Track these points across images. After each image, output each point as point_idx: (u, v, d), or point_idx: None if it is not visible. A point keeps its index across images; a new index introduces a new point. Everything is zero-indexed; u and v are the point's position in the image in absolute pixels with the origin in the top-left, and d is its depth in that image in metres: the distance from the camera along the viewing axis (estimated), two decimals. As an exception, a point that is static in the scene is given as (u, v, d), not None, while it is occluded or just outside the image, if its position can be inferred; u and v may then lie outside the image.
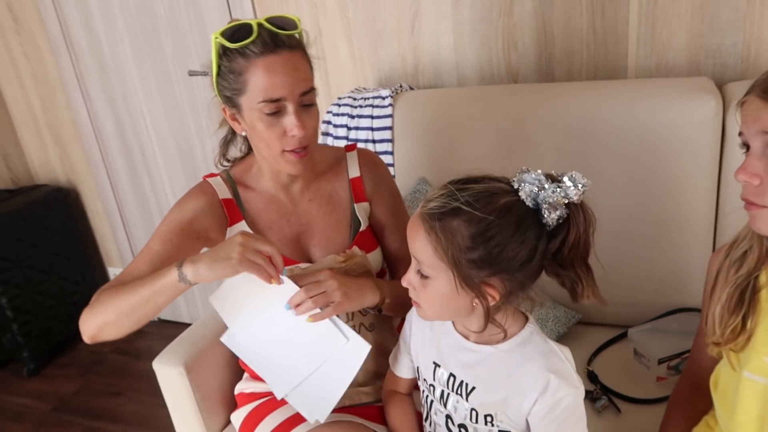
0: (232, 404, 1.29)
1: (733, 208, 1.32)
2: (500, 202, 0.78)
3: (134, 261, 1.08)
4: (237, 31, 0.98)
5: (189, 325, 1.28)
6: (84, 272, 2.62)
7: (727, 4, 1.44)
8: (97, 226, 2.68)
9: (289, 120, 1.00)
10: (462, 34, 1.71)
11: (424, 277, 0.83)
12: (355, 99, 1.65)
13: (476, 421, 0.89)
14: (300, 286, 0.98)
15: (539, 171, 0.80)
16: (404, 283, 0.87)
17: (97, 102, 2.35)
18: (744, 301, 0.80)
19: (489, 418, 0.87)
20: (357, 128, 1.61)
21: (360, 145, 1.61)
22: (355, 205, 1.18)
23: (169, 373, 1.27)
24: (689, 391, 0.99)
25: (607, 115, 1.39)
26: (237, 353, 1.10)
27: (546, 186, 0.78)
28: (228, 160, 1.19)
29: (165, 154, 2.33)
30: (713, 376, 0.91)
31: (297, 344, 1.01)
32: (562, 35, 1.61)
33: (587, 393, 1.26)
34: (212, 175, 1.16)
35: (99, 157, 2.45)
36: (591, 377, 1.32)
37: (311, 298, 0.97)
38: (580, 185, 0.78)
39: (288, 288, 0.98)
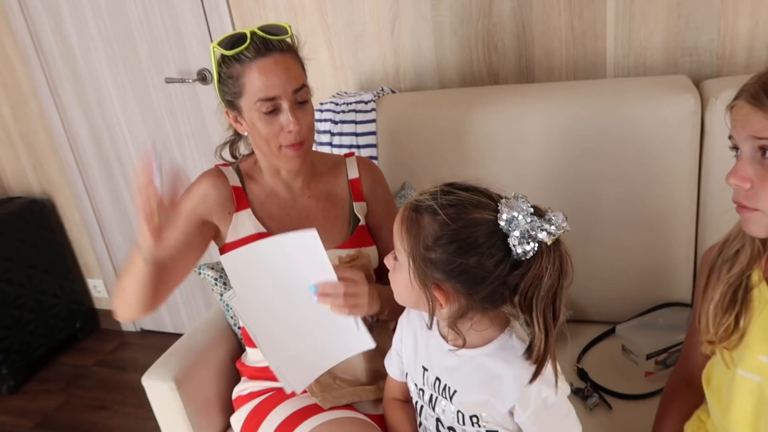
0: (229, 409, 1.29)
1: (715, 203, 1.35)
2: (474, 214, 0.80)
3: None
4: (232, 41, 1.07)
5: (173, 334, 1.27)
6: (63, 284, 2.57)
7: (702, 1, 1.46)
8: (74, 237, 2.62)
9: (285, 117, 1.07)
10: (442, 36, 1.71)
11: (396, 260, 0.88)
12: (337, 104, 1.64)
13: (463, 423, 0.90)
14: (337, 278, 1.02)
15: (529, 203, 0.79)
16: (385, 261, 0.92)
17: (71, 110, 2.30)
18: (737, 300, 0.81)
19: (475, 419, 0.89)
20: (341, 134, 1.60)
21: (344, 151, 1.61)
22: (354, 203, 1.24)
23: (159, 389, 1.25)
24: (681, 387, 1.01)
25: (589, 115, 1.40)
26: (237, 313, 1.10)
27: (521, 216, 0.78)
28: (235, 157, 1.26)
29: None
30: (705, 371, 0.92)
31: (303, 317, 1.04)
32: (542, 36, 1.62)
33: (578, 391, 1.28)
34: (225, 164, 1.23)
35: (75, 166, 2.40)
36: (581, 375, 1.33)
37: (344, 295, 1.01)
38: (554, 228, 0.77)
39: (324, 270, 1.00)
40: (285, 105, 1.07)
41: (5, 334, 2.33)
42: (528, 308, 0.80)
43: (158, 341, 2.59)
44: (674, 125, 1.34)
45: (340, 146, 1.61)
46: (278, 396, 1.16)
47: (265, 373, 1.19)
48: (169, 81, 2.06)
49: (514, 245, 0.78)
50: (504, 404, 0.86)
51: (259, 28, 1.08)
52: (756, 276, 0.83)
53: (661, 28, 1.52)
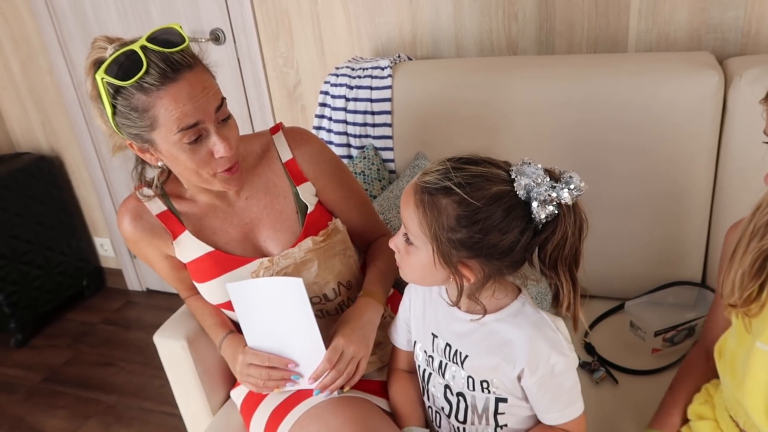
0: (232, 380, 1.30)
1: (732, 184, 1.34)
2: (492, 189, 0.79)
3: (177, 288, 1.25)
4: (124, 66, 0.90)
5: (178, 294, 1.27)
6: (70, 242, 2.58)
7: (730, -23, 1.43)
8: (82, 195, 2.62)
9: (214, 142, 0.96)
10: (461, 4, 1.67)
11: (409, 242, 0.86)
12: (353, 69, 1.61)
13: (473, 389, 0.91)
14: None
15: (539, 165, 0.80)
16: (391, 245, 0.90)
17: (81, 67, 2.27)
18: (765, 268, 0.81)
19: (485, 384, 0.90)
20: (356, 99, 1.59)
21: (359, 117, 1.59)
22: (297, 188, 1.14)
23: (171, 347, 1.26)
24: (701, 359, 1.03)
25: (608, 90, 1.38)
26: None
27: (540, 182, 0.78)
28: (148, 183, 1.12)
29: (153, 123, 2.27)
30: (717, 345, 0.93)
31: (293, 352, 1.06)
32: (564, 6, 1.59)
33: (585, 364, 1.29)
34: (140, 186, 1.12)
35: (83, 124, 2.38)
36: (588, 349, 1.34)
37: (336, 369, 1.00)
38: (574, 189, 0.79)
39: (307, 319, 1.00)
40: (211, 128, 0.95)
41: (13, 289, 2.35)
42: (553, 267, 0.82)
43: (164, 301, 2.62)
44: (696, 103, 1.32)
45: (355, 111, 1.60)
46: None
47: None
48: (181, 40, 2.03)
49: (536, 212, 0.79)
50: (514, 369, 0.87)
51: (149, 40, 0.91)
52: None
53: (687, 3, 1.48)
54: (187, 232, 1.10)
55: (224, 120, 0.99)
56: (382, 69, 1.58)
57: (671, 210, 1.40)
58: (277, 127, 1.17)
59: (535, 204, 0.78)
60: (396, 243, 0.89)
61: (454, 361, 0.93)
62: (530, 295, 0.94)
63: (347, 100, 1.61)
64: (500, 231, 0.79)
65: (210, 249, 1.10)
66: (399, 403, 1.05)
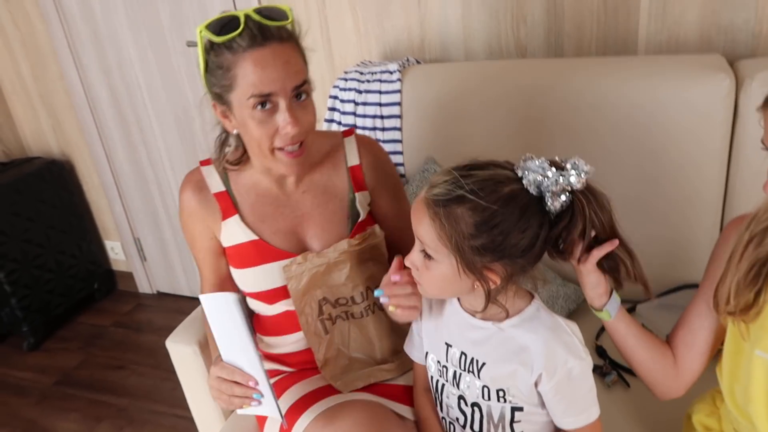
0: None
1: (744, 188, 1.34)
2: (504, 190, 0.79)
3: (201, 276, 1.20)
4: (223, 25, 0.94)
5: (188, 297, 1.28)
6: (81, 245, 2.60)
7: (740, -21, 1.43)
8: (93, 199, 2.64)
9: (282, 116, 0.96)
10: (470, 7, 1.68)
11: (428, 257, 0.85)
12: (362, 74, 1.62)
13: (489, 398, 0.91)
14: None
15: (542, 158, 0.81)
16: (407, 262, 0.89)
17: (91, 72, 2.29)
18: (761, 275, 0.81)
19: (501, 393, 0.90)
20: (365, 104, 1.59)
21: (368, 121, 1.60)
22: (356, 194, 1.14)
23: (183, 352, 1.28)
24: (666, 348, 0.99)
25: (618, 93, 1.38)
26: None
27: (549, 174, 0.79)
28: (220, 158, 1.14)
29: (162, 126, 2.29)
30: (718, 368, 0.93)
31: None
32: (573, 9, 1.59)
33: (596, 368, 1.29)
34: (207, 161, 1.14)
35: (94, 128, 2.40)
36: (599, 352, 1.34)
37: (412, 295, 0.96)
38: (582, 173, 0.80)
39: (241, 334, 0.96)
40: (282, 103, 0.96)
41: (25, 293, 2.37)
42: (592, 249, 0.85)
43: (174, 304, 2.63)
44: (707, 106, 1.31)
45: (364, 116, 1.60)
46: (291, 377, 1.16)
47: (278, 357, 1.19)
48: (190, 45, 2.04)
49: (551, 204, 0.80)
50: (531, 374, 0.87)
51: (255, 11, 0.95)
52: None
53: (697, 4, 1.48)
54: (237, 216, 1.10)
55: (300, 101, 0.99)
56: (391, 73, 1.58)
57: (683, 213, 1.40)
58: (350, 131, 1.19)
59: (548, 196, 0.80)
60: (413, 260, 0.88)
61: (470, 370, 0.92)
62: (542, 299, 0.95)
63: (356, 104, 1.61)
64: (519, 230, 0.80)
65: (255, 237, 1.10)
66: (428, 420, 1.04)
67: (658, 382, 0.99)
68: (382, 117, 1.59)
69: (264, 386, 1.00)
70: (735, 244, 0.85)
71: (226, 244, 1.13)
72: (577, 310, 1.45)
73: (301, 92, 0.98)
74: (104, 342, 2.45)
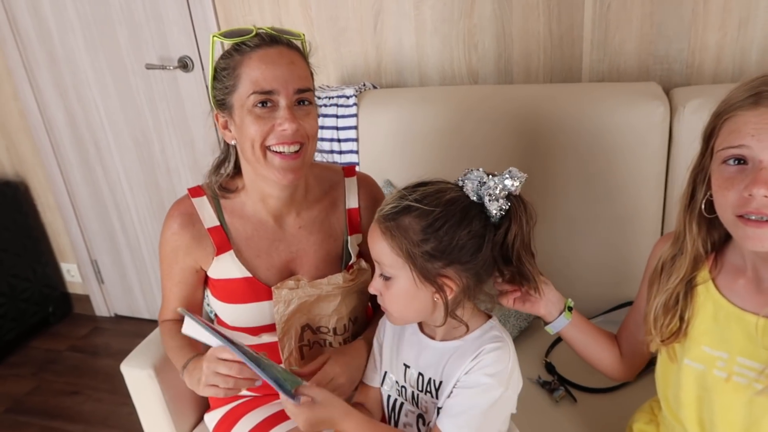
0: (204, 404, 1.30)
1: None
2: (446, 196, 0.86)
3: (163, 303, 1.17)
4: (237, 31, 0.98)
5: (147, 320, 1.27)
6: (35, 268, 2.54)
7: (674, 12, 1.52)
8: (48, 221, 2.59)
9: (280, 113, 0.95)
10: (424, 34, 1.74)
11: (386, 278, 0.89)
12: (319, 98, 1.66)
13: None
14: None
15: (481, 169, 0.88)
16: (371, 290, 0.92)
17: (47, 93, 2.27)
18: (679, 300, 0.88)
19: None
20: (322, 127, 1.62)
21: (325, 145, 1.63)
22: (349, 237, 1.13)
23: (138, 376, 1.27)
24: (615, 342, 1.09)
25: (563, 117, 1.45)
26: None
27: (485, 180, 0.86)
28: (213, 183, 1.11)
29: (120, 147, 2.27)
30: (656, 374, 0.99)
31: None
32: (521, 38, 1.66)
33: (545, 384, 1.34)
34: (198, 191, 1.10)
35: (49, 149, 2.37)
36: (549, 368, 1.39)
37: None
38: (517, 178, 0.86)
39: (210, 342, 0.96)
40: (283, 102, 0.95)
41: (-25, 318, 2.30)
42: (518, 258, 0.89)
43: (132, 327, 2.59)
44: (644, 131, 1.39)
45: (321, 139, 1.64)
46: (254, 401, 1.16)
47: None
48: (149, 67, 2.04)
49: (489, 206, 0.86)
50: (459, 370, 0.90)
51: (270, 28, 0.99)
52: (702, 276, 0.88)
53: (635, 35, 1.57)
54: (231, 252, 1.07)
55: (302, 105, 0.98)
56: (348, 98, 1.62)
57: (624, 232, 1.46)
58: (351, 170, 1.17)
59: (486, 199, 0.86)
60: (375, 286, 0.91)
61: (427, 390, 0.95)
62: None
63: (313, 128, 1.64)
64: (464, 230, 0.85)
65: (248, 275, 1.07)
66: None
67: (608, 372, 1.10)
68: (339, 140, 1.63)
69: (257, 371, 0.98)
70: (653, 271, 0.92)
71: (215, 276, 1.10)
72: (529, 327, 1.50)
73: (304, 98, 0.97)
74: (58, 367, 2.39)
